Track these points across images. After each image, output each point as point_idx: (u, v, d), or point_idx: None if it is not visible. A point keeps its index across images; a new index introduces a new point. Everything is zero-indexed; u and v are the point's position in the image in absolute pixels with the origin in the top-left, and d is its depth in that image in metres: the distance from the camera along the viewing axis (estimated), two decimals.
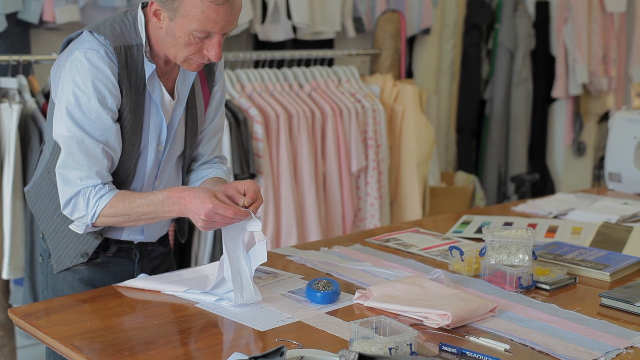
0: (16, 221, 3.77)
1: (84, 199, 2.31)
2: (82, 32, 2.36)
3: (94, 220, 2.33)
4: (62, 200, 2.34)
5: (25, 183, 3.76)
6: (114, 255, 2.54)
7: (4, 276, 3.78)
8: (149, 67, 2.37)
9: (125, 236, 2.53)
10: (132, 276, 2.53)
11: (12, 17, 4.07)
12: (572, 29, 6.33)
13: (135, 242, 2.57)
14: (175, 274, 2.48)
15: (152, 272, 2.60)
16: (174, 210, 2.30)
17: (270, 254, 2.78)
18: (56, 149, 2.39)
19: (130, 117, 2.38)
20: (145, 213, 2.32)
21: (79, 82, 2.29)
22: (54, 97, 2.39)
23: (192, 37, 2.27)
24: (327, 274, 2.55)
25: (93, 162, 2.31)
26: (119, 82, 2.33)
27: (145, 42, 2.36)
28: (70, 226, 2.40)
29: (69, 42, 2.41)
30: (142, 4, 2.41)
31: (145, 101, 2.40)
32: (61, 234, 2.47)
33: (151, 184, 2.52)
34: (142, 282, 2.43)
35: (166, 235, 2.71)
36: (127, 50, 2.35)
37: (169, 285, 2.39)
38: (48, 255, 2.52)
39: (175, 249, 4.15)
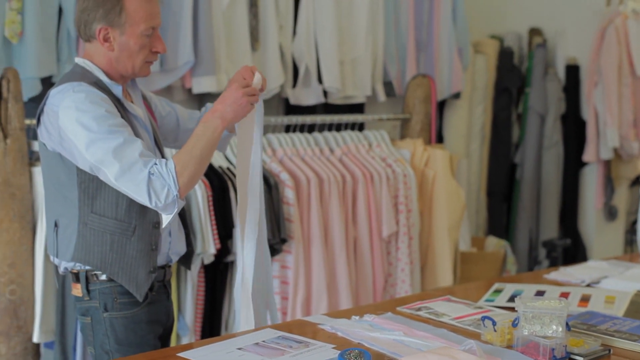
0: (48, 284, 3.80)
1: (156, 176, 2.47)
2: (48, 95, 2.60)
3: (178, 185, 2.48)
4: (144, 197, 2.48)
5: None
6: (157, 293, 2.75)
7: (35, 340, 3.79)
8: (118, 89, 2.62)
9: (163, 256, 2.75)
10: (170, 311, 2.84)
11: (46, 81, 4.13)
12: (603, 93, 6.33)
13: (170, 265, 2.81)
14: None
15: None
16: (217, 122, 2.59)
17: (300, 322, 2.82)
18: (84, 194, 2.59)
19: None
20: (203, 146, 2.55)
21: (83, 108, 2.50)
22: (63, 149, 2.57)
23: (143, 39, 2.62)
24: (359, 343, 2.53)
25: (140, 144, 2.51)
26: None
27: (103, 73, 2.63)
28: (163, 223, 2.64)
29: (39, 114, 2.63)
30: (76, 59, 2.71)
31: (132, 120, 2.65)
32: (127, 262, 2.64)
33: None
34: None
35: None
36: (97, 83, 2.60)
37: None
38: (103, 308, 2.65)
39: (205, 312, 4.16)
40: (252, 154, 2.83)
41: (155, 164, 2.49)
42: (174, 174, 2.48)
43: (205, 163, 2.60)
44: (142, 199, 2.49)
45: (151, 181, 2.47)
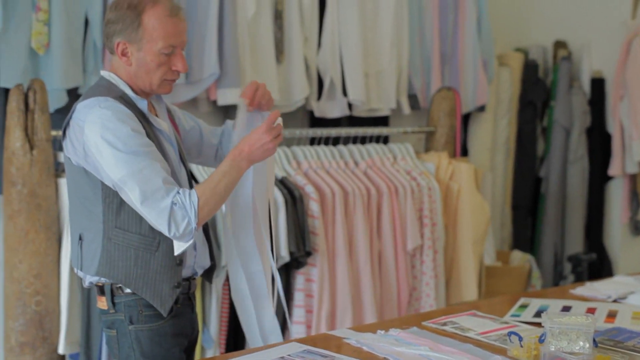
0: (73, 295, 3.81)
1: (178, 206, 2.49)
2: (74, 109, 2.59)
3: (197, 218, 2.50)
4: (164, 226, 2.49)
5: None
6: (182, 305, 2.74)
7: (60, 351, 3.81)
8: (143, 103, 2.62)
9: (189, 269, 2.74)
10: (195, 323, 2.83)
11: (73, 92, 4.15)
12: (628, 107, 6.29)
13: (195, 277, 2.81)
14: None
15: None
16: (243, 164, 2.61)
17: (325, 336, 2.81)
18: (108, 208, 2.59)
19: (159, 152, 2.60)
20: (226, 184, 2.58)
21: (109, 125, 2.50)
22: (87, 164, 2.57)
23: (161, 57, 2.60)
24: (385, 358, 2.52)
25: (164, 170, 2.52)
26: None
27: (128, 87, 2.63)
28: (176, 251, 2.57)
29: (65, 128, 2.62)
30: (102, 72, 2.71)
31: (157, 135, 2.64)
32: (152, 277, 2.63)
33: None
34: None
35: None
36: (123, 97, 2.59)
37: None
38: (129, 321, 2.65)
39: (230, 325, 4.16)
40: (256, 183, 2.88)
41: (178, 192, 2.51)
42: (196, 207, 2.50)
43: (225, 199, 2.63)
44: (162, 227, 2.50)
45: (173, 211, 2.48)
